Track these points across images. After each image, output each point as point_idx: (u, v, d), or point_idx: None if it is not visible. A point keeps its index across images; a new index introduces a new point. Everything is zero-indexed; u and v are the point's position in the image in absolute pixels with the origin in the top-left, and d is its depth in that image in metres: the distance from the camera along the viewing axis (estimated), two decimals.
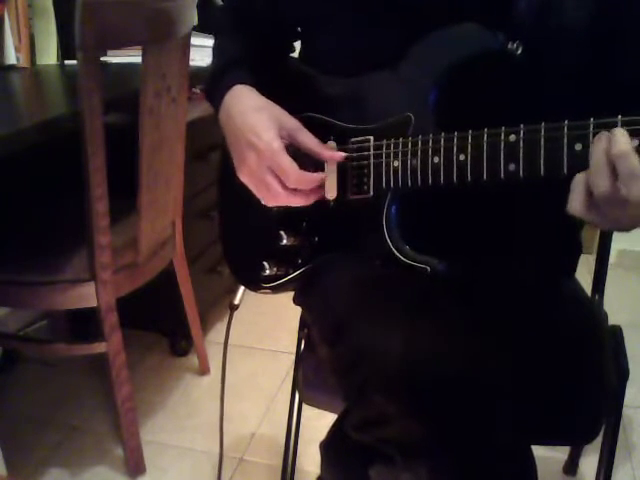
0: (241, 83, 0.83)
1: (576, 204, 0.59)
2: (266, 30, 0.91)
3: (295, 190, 0.77)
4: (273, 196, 0.79)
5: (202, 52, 1.61)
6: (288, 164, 0.76)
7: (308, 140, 0.78)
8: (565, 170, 0.61)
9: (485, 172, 0.66)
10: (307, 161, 0.79)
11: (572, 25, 0.71)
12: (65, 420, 1.62)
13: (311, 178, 0.77)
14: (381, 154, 0.75)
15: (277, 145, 0.76)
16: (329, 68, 0.82)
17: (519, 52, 0.68)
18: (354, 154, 0.78)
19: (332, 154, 0.78)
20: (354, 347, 0.71)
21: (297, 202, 0.79)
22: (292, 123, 0.79)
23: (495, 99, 0.72)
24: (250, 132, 0.78)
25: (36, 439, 1.54)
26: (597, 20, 0.70)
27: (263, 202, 0.83)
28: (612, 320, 0.99)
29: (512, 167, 0.64)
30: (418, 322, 0.69)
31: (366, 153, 0.77)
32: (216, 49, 0.93)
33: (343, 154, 0.78)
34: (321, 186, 0.79)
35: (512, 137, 0.64)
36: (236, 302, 1.03)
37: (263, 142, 0.76)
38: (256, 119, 0.78)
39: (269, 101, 0.81)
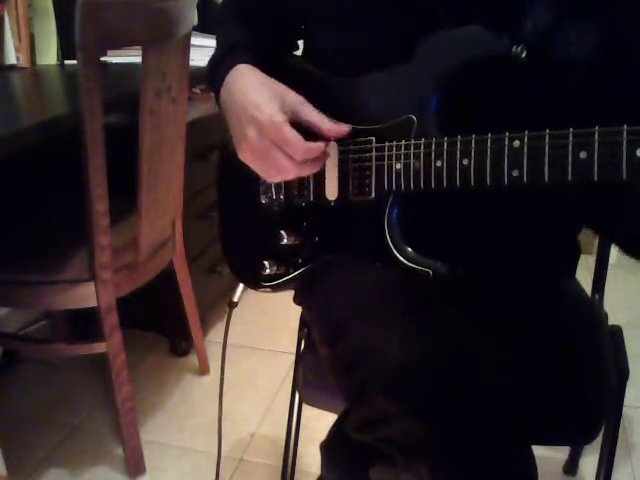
0: (243, 62, 0.82)
1: None
2: (270, 27, 0.91)
3: (303, 161, 0.75)
4: (280, 171, 0.77)
5: (202, 52, 1.61)
6: (293, 136, 0.73)
7: (311, 115, 0.77)
8: (570, 178, 0.61)
9: (489, 178, 0.66)
10: (310, 136, 0.77)
11: (575, 58, 0.70)
12: (65, 420, 1.62)
13: (318, 147, 0.75)
14: (383, 156, 0.75)
15: (280, 119, 0.74)
16: (331, 67, 0.82)
17: (523, 55, 0.68)
18: (355, 155, 0.78)
19: (335, 128, 0.76)
20: (354, 347, 0.71)
21: (306, 173, 0.77)
22: (295, 98, 0.77)
23: (499, 102, 0.72)
24: (252, 107, 0.76)
25: (36, 439, 1.55)
26: (601, 55, 0.70)
27: (267, 179, 0.81)
28: (612, 320, 0.99)
29: (516, 173, 0.64)
30: (418, 323, 0.69)
31: (368, 155, 0.77)
32: (219, 36, 0.92)
33: (346, 128, 0.76)
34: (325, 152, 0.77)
35: (516, 143, 0.63)
36: (235, 299, 1.02)
37: (265, 116, 0.74)
38: (258, 94, 0.77)
39: (271, 78, 0.79)
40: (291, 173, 0.77)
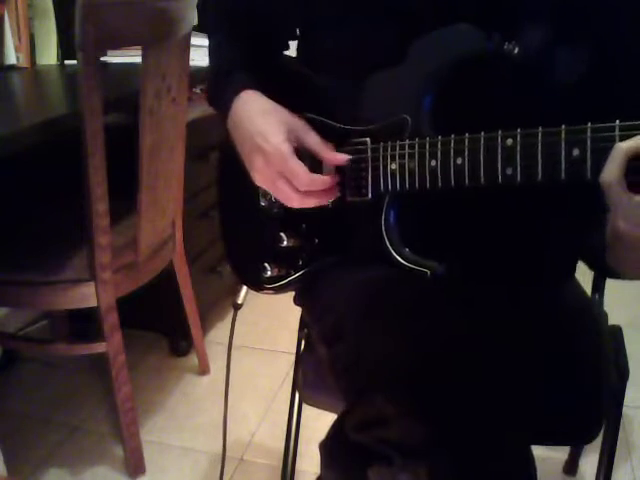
0: (247, 87, 0.83)
1: (611, 176, 0.56)
2: (263, 32, 0.91)
3: (308, 192, 0.76)
4: (286, 199, 0.79)
5: (202, 52, 1.61)
6: (298, 168, 0.75)
7: (313, 142, 0.78)
8: (563, 175, 0.60)
9: (483, 176, 0.66)
10: (316, 162, 0.78)
11: (569, 54, 0.70)
12: (65, 420, 1.62)
13: (323, 180, 0.76)
14: (378, 156, 0.75)
15: (286, 149, 0.75)
16: (328, 69, 0.82)
17: (516, 52, 0.68)
18: (351, 156, 0.78)
19: (333, 157, 0.78)
20: (352, 348, 0.71)
21: (311, 204, 0.78)
22: (299, 125, 0.78)
23: (493, 100, 0.72)
24: (258, 136, 0.77)
25: (36, 439, 1.54)
26: (592, 79, 0.70)
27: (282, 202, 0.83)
28: (612, 320, 0.99)
29: (509, 171, 0.63)
30: (416, 323, 0.69)
31: (363, 156, 0.77)
32: (213, 52, 0.92)
33: (345, 157, 0.77)
34: (336, 186, 0.78)
35: (509, 141, 0.63)
36: (239, 301, 1.03)
37: (271, 146, 0.75)
38: (263, 123, 0.78)
39: (276, 105, 0.80)
40: (295, 202, 0.78)
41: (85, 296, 1.30)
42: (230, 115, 0.84)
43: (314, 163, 0.78)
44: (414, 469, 0.66)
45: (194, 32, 1.40)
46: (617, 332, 0.96)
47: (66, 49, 1.76)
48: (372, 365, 0.67)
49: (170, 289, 1.64)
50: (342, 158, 0.77)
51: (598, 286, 1.11)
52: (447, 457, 0.64)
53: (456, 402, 0.64)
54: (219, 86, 0.86)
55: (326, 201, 0.79)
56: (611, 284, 1.13)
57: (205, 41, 0.94)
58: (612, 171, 0.56)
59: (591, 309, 0.94)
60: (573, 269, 0.91)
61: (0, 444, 1.25)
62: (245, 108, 0.81)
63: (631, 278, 0.70)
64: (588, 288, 1.04)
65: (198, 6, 1.06)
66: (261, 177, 0.79)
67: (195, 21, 1.38)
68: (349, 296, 0.77)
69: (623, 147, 0.55)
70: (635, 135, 0.56)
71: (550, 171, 0.61)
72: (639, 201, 0.56)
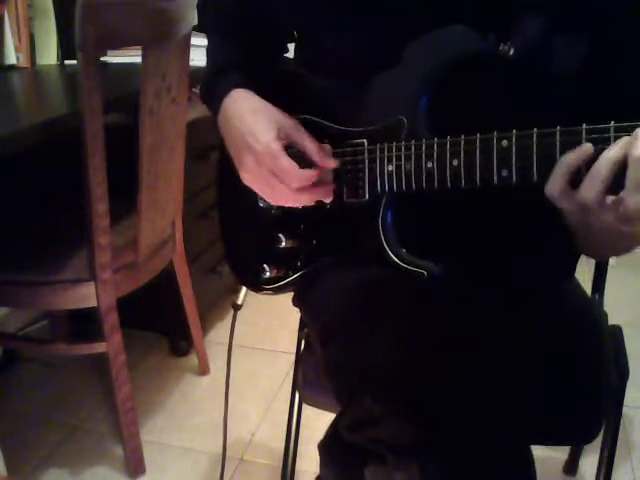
0: (238, 86, 0.83)
1: (553, 189, 0.60)
2: (260, 35, 0.91)
3: (300, 189, 0.77)
4: (279, 198, 0.79)
5: (202, 52, 1.60)
6: (287, 164, 0.75)
7: (304, 141, 0.78)
8: None
9: (478, 178, 0.66)
10: (307, 160, 0.79)
11: (564, 56, 0.70)
12: (65, 420, 1.62)
13: (310, 174, 0.76)
14: (375, 158, 0.75)
15: (275, 146, 0.76)
16: (326, 71, 0.82)
17: (511, 53, 0.68)
18: (348, 158, 0.78)
19: (325, 160, 0.78)
20: (343, 348, 0.71)
21: (305, 201, 0.78)
22: (289, 123, 0.79)
23: (488, 101, 0.72)
24: (248, 135, 0.78)
25: (36, 439, 1.54)
26: (590, 54, 0.70)
27: (271, 202, 0.83)
28: (612, 320, 0.99)
29: (505, 173, 0.63)
30: (410, 324, 0.69)
31: (360, 157, 0.77)
32: (210, 52, 0.93)
33: (335, 162, 0.78)
34: (327, 183, 0.78)
35: (504, 142, 0.63)
36: (239, 302, 1.03)
37: (261, 144, 0.76)
38: (253, 121, 0.78)
39: (267, 103, 0.81)
40: (289, 201, 0.79)
41: (85, 296, 1.30)
42: (221, 113, 0.84)
43: (305, 161, 0.78)
44: (407, 467, 0.66)
45: (194, 32, 1.40)
46: (617, 332, 0.96)
47: (66, 49, 1.76)
48: (362, 365, 0.67)
49: (170, 289, 1.64)
50: (330, 163, 0.78)
51: (598, 286, 1.11)
52: (440, 457, 0.64)
53: (448, 402, 0.64)
54: (212, 85, 0.86)
55: (323, 198, 0.79)
56: (611, 284, 1.13)
57: (205, 41, 0.94)
58: (554, 184, 0.60)
59: (591, 309, 0.94)
60: (573, 269, 0.91)
61: (0, 444, 1.25)
62: (235, 107, 0.82)
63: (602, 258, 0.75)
64: (588, 288, 1.04)
65: (198, 6, 1.06)
66: (250, 176, 0.80)
67: (195, 21, 1.38)
68: (342, 296, 0.78)
69: (565, 161, 0.59)
70: (627, 136, 0.56)
71: (545, 172, 0.61)
72: (579, 205, 0.59)
